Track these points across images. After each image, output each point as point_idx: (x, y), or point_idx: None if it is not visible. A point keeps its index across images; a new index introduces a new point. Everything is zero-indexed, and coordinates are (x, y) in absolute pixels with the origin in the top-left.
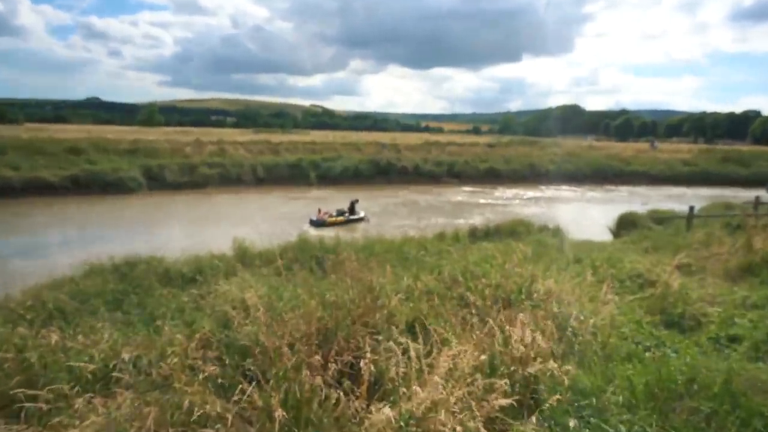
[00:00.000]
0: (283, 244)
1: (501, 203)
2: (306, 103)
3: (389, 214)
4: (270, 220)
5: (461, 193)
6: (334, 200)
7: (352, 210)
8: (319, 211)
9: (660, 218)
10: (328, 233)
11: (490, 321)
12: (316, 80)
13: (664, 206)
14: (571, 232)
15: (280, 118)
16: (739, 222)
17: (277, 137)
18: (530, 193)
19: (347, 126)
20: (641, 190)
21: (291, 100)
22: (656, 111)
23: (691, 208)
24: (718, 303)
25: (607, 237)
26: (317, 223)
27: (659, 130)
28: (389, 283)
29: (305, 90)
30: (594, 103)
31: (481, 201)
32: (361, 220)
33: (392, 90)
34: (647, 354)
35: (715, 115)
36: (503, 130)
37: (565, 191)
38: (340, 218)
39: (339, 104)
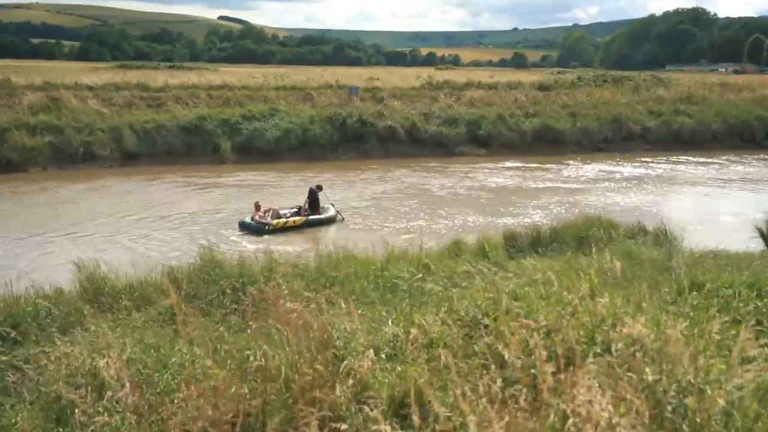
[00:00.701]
0: (172, 269)
1: (573, 188)
2: (212, 15)
3: (381, 211)
4: (152, 227)
5: (503, 173)
6: (270, 188)
7: (314, 204)
8: (258, 207)
9: None
10: (267, 245)
11: (537, 390)
12: None
13: None
14: (690, 237)
15: (165, 42)
16: None
17: (159, 77)
18: (625, 169)
19: (288, 57)
20: None
21: (183, 10)
22: None
23: None
24: None
25: (756, 245)
26: (256, 229)
27: None
28: (362, 333)
29: None
30: (731, 6)
31: (540, 185)
32: (331, 221)
33: None
34: None
35: None
36: (567, 60)
37: (686, 165)
38: (295, 219)
39: (272, 18)
